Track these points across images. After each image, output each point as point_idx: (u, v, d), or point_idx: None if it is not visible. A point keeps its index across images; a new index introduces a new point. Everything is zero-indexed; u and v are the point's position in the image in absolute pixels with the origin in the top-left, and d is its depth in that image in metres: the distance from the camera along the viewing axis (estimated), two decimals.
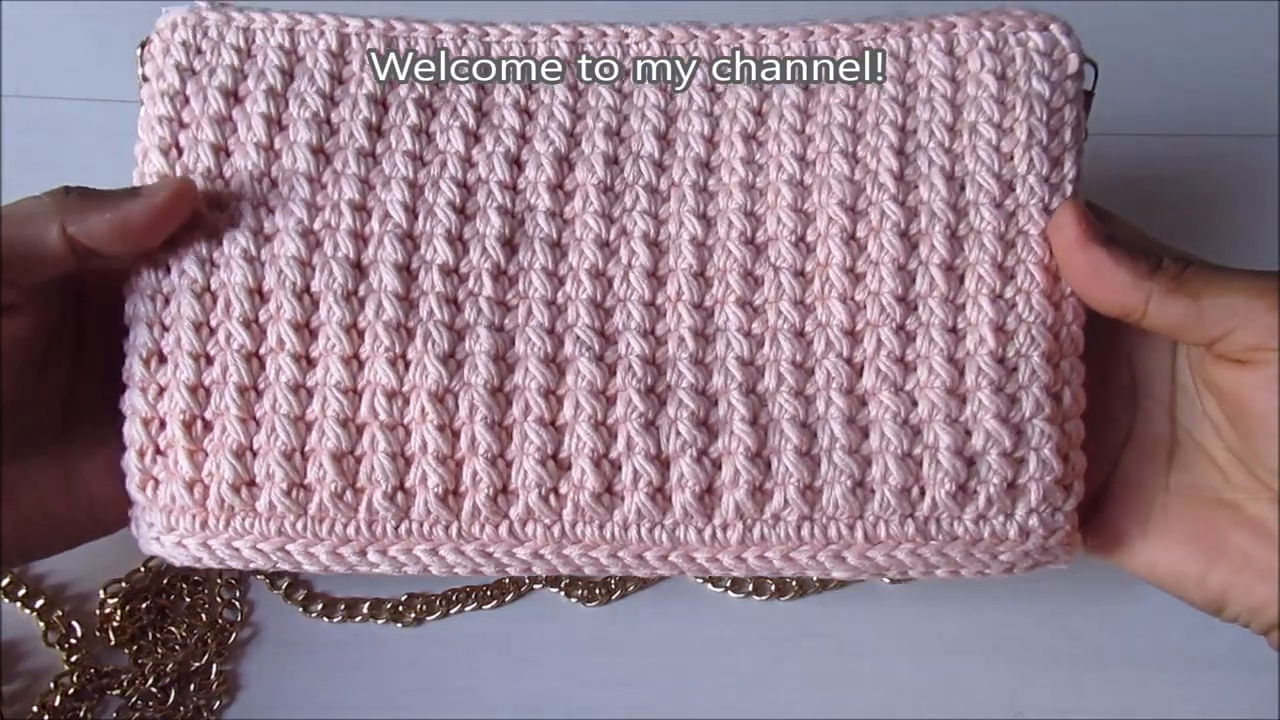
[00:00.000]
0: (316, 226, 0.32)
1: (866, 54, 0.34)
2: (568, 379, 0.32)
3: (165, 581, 0.39)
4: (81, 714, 0.37)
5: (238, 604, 0.39)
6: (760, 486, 0.31)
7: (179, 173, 0.33)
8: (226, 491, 0.31)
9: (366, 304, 0.32)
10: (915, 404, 0.31)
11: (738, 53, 0.35)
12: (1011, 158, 0.33)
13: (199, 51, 0.34)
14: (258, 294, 0.32)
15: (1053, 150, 0.33)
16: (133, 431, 0.32)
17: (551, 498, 0.31)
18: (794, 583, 0.40)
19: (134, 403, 0.32)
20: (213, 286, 0.32)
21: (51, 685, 0.37)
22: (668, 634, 0.39)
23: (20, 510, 0.32)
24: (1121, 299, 0.30)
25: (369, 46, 0.34)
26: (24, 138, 0.45)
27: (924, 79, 0.34)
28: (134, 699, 0.37)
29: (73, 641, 0.38)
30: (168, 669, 0.38)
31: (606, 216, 0.33)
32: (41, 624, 0.38)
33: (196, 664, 0.38)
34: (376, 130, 0.33)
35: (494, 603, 0.39)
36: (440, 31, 0.35)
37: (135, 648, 0.38)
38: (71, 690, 0.37)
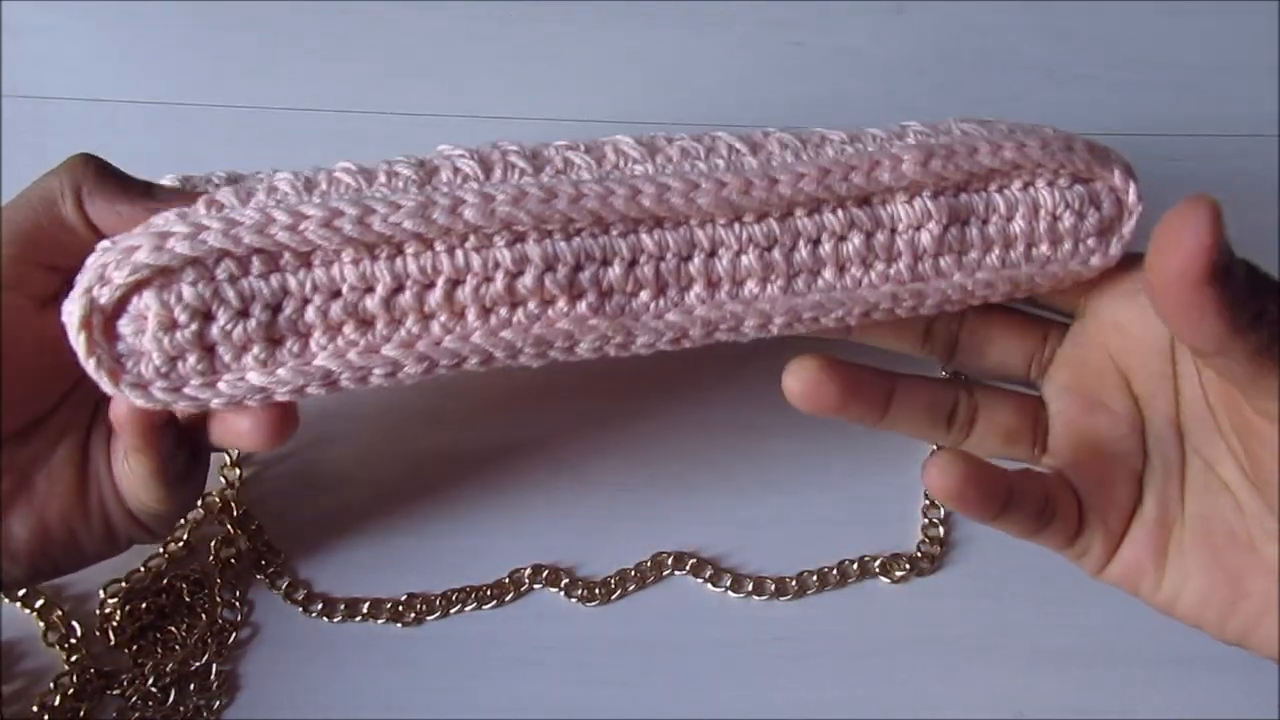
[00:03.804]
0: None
1: None
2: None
3: (165, 581, 0.39)
4: (81, 714, 0.37)
5: (238, 604, 0.39)
6: (797, 134, 0.31)
7: (187, 189, 0.32)
8: (222, 193, 0.29)
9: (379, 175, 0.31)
10: (906, 127, 0.32)
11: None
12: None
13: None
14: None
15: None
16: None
17: (590, 154, 0.30)
18: (793, 582, 0.40)
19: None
20: None
21: (51, 685, 0.37)
22: (668, 634, 0.39)
23: (47, 524, 0.32)
24: (1198, 344, 0.26)
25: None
26: (24, 138, 0.45)
27: None
28: (134, 699, 0.37)
29: (72, 641, 0.38)
30: (168, 669, 0.38)
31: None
32: (41, 624, 0.38)
33: (196, 664, 0.38)
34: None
35: (494, 603, 0.39)
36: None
37: (135, 648, 0.38)
38: (71, 690, 0.37)
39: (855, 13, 0.52)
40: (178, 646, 0.38)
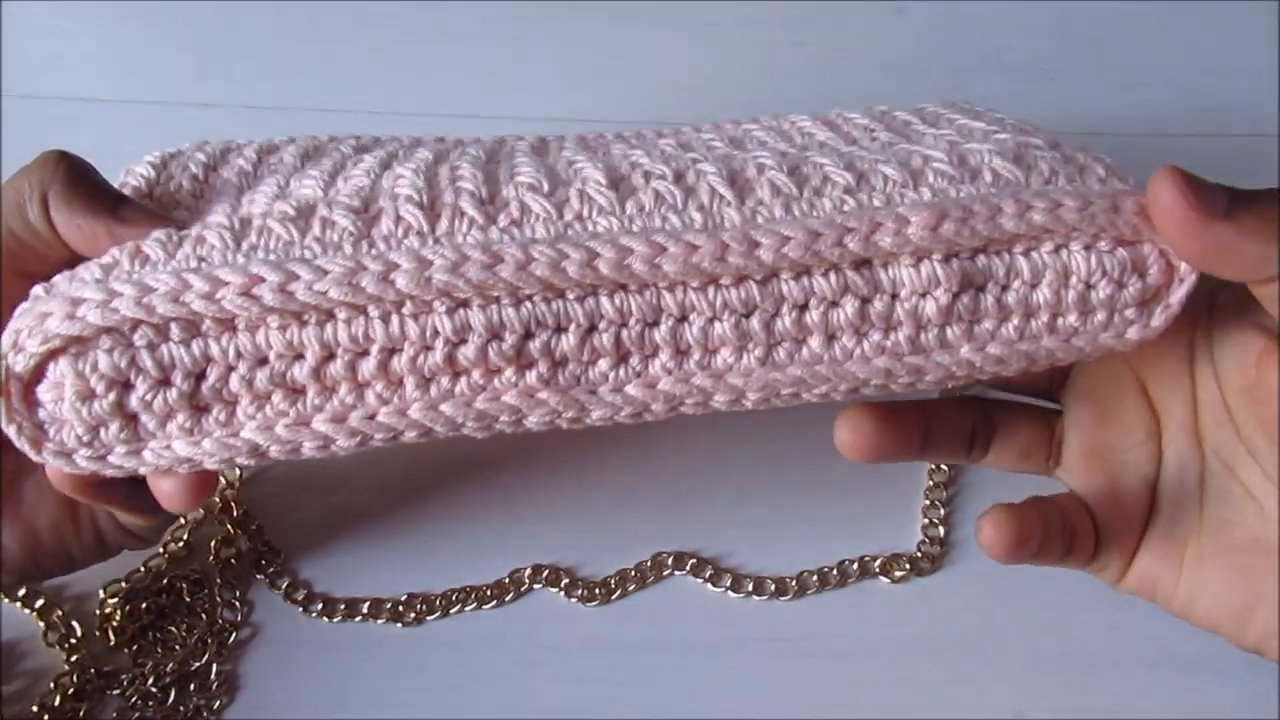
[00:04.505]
0: (293, 181, 0.31)
1: None
2: (558, 158, 0.31)
3: (165, 581, 0.39)
4: (81, 714, 0.37)
5: (238, 604, 0.39)
6: (792, 173, 0.28)
7: (161, 181, 0.32)
8: (149, 243, 0.27)
9: (339, 178, 0.30)
10: (935, 146, 0.29)
11: None
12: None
13: (201, 145, 0.34)
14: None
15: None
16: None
17: (551, 198, 0.28)
18: (793, 582, 0.40)
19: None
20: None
21: (51, 685, 0.37)
22: (668, 634, 0.39)
23: (36, 533, 0.32)
24: (1255, 270, 0.26)
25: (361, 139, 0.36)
26: (24, 138, 0.45)
27: None
28: (134, 699, 0.37)
29: (73, 641, 0.38)
30: (168, 669, 0.38)
31: (584, 147, 0.33)
32: (41, 624, 0.38)
33: (196, 664, 0.38)
34: (367, 149, 0.34)
35: (494, 603, 0.39)
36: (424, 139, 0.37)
37: (135, 648, 0.38)
38: (71, 690, 0.37)
39: (855, 13, 0.52)
40: (178, 646, 0.38)
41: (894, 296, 0.27)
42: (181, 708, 0.37)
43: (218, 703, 0.38)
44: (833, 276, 0.27)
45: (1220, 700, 0.37)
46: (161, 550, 0.40)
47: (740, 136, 0.34)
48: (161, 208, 0.31)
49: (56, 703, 0.37)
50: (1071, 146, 0.29)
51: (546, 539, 0.40)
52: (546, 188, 0.28)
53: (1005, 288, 0.27)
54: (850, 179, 0.28)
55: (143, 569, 0.39)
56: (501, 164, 0.31)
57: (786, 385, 0.27)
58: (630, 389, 0.27)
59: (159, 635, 0.39)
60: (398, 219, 0.27)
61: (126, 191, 0.31)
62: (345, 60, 0.49)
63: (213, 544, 0.40)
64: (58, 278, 0.28)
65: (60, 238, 0.29)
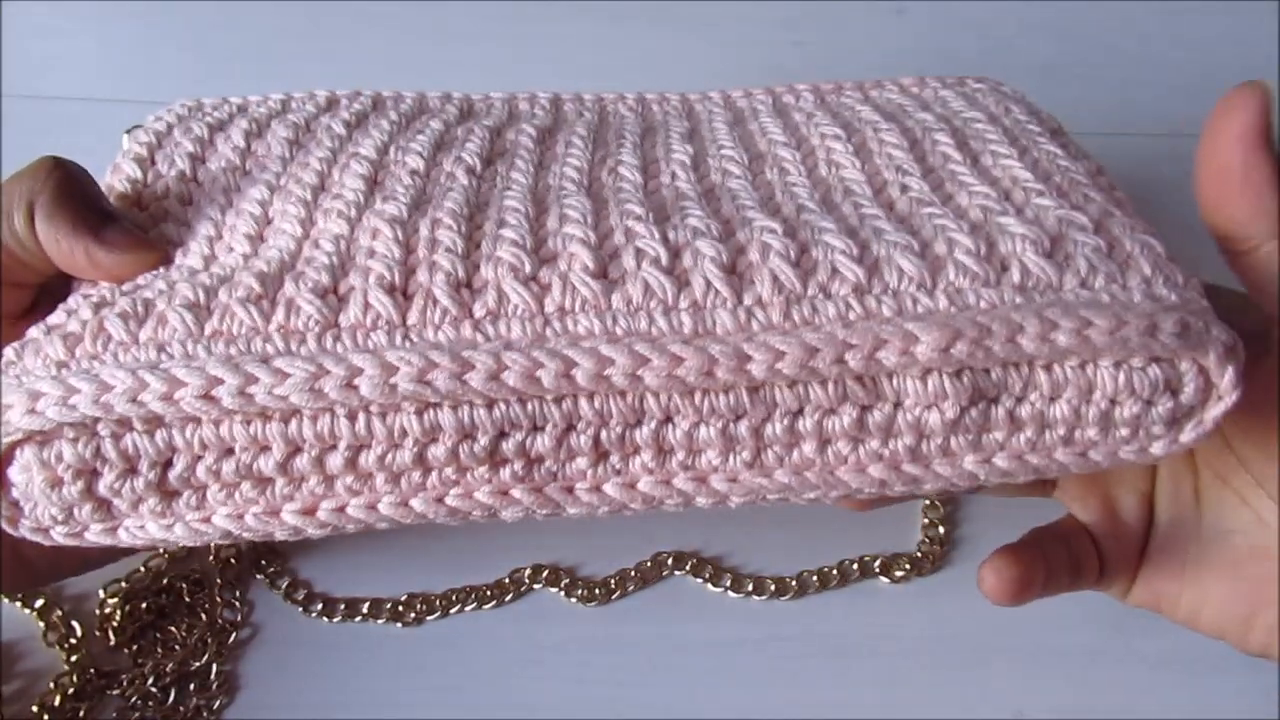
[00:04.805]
0: (282, 182, 0.31)
1: (825, 97, 0.38)
2: (550, 209, 0.28)
3: (165, 581, 0.39)
4: (81, 714, 0.37)
5: (237, 604, 0.39)
6: (798, 262, 0.25)
7: (150, 178, 0.31)
8: (111, 320, 0.26)
9: (323, 201, 0.30)
10: (964, 215, 0.27)
11: (706, 102, 0.38)
12: (988, 108, 0.34)
13: (190, 114, 0.35)
14: (217, 239, 0.30)
15: (1027, 107, 0.34)
16: (31, 330, 0.27)
17: (532, 284, 0.26)
18: (794, 582, 0.40)
19: (50, 317, 0.28)
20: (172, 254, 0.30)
21: (51, 685, 0.37)
22: (668, 634, 0.39)
23: (21, 553, 0.32)
24: (1248, 222, 0.26)
25: (359, 100, 0.37)
26: (24, 138, 0.45)
27: (883, 97, 0.37)
28: (134, 699, 0.37)
29: (72, 641, 0.38)
30: (168, 669, 0.38)
31: (589, 150, 0.33)
32: (41, 624, 0.38)
33: (196, 664, 0.38)
34: (355, 126, 0.34)
35: (494, 603, 0.39)
36: (426, 95, 0.38)
37: (135, 648, 0.38)
38: (71, 690, 0.37)
39: (855, 13, 0.52)
40: (178, 646, 0.38)
41: (896, 406, 0.25)
42: (181, 708, 0.37)
43: (218, 703, 0.38)
44: (830, 385, 0.25)
45: (1220, 700, 0.37)
46: (161, 550, 0.40)
47: (764, 152, 0.32)
48: (151, 217, 0.31)
49: (56, 703, 0.37)
50: (1123, 223, 0.27)
51: (546, 539, 0.40)
52: (528, 269, 0.26)
53: (1020, 400, 0.25)
54: (861, 275, 0.25)
55: (143, 569, 0.39)
56: (493, 200, 0.30)
57: (773, 491, 0.26)
58: (608, 488, 0.26)
59: (159, 635, 0.39)
60: (366, 306, 0.26)
61: (113, 197, 0.31)
62: (345, 60, 0.49)
63: (213, 544, 0.40)
64: (32, 331, 0.27)
65: (44, 250, 0.28)
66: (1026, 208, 0.27)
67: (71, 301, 0.28)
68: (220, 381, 0.24)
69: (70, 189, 0.28)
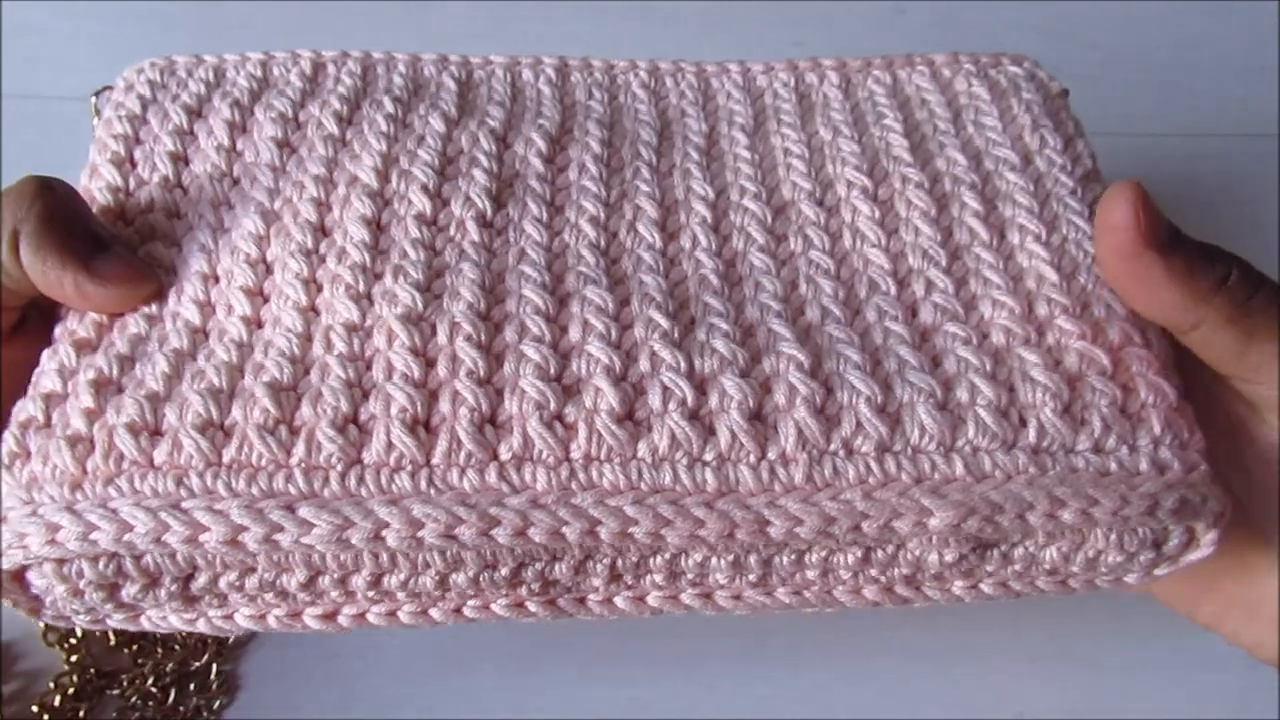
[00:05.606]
0: (277, 206, 0.30)
1: (852, 79, 0.36)
2: (571, 307, 0.28)
3: None
4: (81, 714, 0.37)
5: None
6: (823, 409, 0.26)
7: (132, 184, 0.30)
8: (122, 436, 0.25)
9: (327, 257, 0.29)
10: (987, 335, 0.28)
11: (725, 78, 0.36)
12: (1021, 136, 0.33)
13: (163, 86, 0.33)
14: (212, 279, 0.29)
15: (1063, 129, 0.33)
16: (27, 405, 0.26)
17: (557, 425, 0.25)
18: None
19: (41, 381, 0.27)
20: (165, 279, 0.29)
21: (51, 685, 0.37)
22: (668, 634, 0.39)
23: None
24: (1166, 317, 0.27)
25: (345, 69, 0.34)
26: (24, 138, 0.45)
27: (915, 96, 0.35)
28: (134, 699, 0.37)
29: (72, 641, 0.38)
30: (168, 669, 0.38)
31: (604, 181, 0.32)
32: (41, 624, 0.38)
33: (196, 664, 0.38)
34: (347, 121, 0.32)
35: None
36: (420, 59, 0.35)
37: (135, 648, 0.38)
38: (71, 690, 0.37)
39: (855, 13, 0.52)
40: (178, 646, 0.38)
41: (898, 547, 0.26)
42: (181, 708, 0.37)
43: (218, 703, 0.38)
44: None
45: (1220, 700, 0.37)
46: None
47: (789, 201, 0.31)
48: (137, 233, 0.30)
49: (56, 703, 0.37)
50: (1141, 357, 0.27)
51: None
52: (553, 405, 0.26)
53: (1015, 545, 0.27)
54: (884, 432, 0.25)
55: None
56: (509, 272, 0.29)
57: (775, 607, 0.28)
58: (619, 601, 0.27)
59: (159, 635, 0.39)
60: (389, 446, 0.25)
61: (95, 209, 0.29)
62: None
63: None
64: (29, 407, 0.26)
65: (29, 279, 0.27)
66: (1049, 330, 0.28)
67: (63, 355, 0.27)
68: (245, 529, 0.24)
69: (57, 214, 0.27)
